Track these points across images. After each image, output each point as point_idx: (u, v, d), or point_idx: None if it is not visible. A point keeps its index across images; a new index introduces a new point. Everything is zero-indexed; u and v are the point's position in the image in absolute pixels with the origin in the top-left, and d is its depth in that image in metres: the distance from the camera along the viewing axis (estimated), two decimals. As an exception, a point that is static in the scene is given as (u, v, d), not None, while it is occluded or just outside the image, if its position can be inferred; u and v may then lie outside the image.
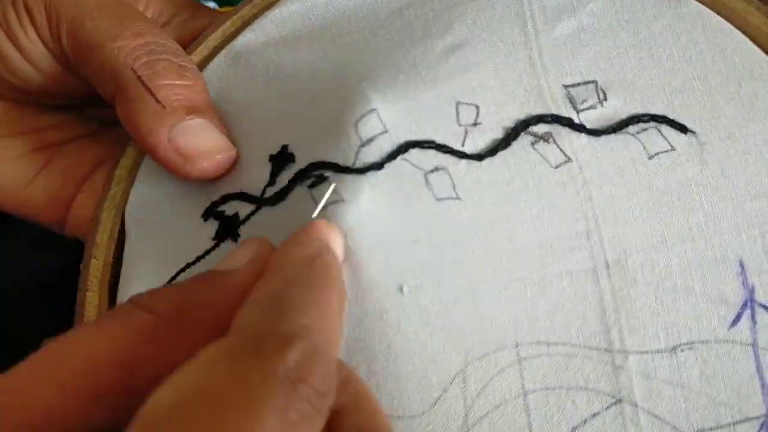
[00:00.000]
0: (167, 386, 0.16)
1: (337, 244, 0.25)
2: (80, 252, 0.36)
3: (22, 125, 0.34)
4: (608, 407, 0.25)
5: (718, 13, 0.30)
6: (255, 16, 0.33)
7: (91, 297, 0.30)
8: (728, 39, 0.29)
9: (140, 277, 0.29)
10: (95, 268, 0.30)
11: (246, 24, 0.32)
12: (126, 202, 0.31)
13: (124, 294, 0.29)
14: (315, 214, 0.26)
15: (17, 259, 0.43)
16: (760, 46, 0.29)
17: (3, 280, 0.43)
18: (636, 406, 0.25)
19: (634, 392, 0.25)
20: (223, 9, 0.46)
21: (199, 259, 0.28)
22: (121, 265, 0.30)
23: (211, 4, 0.55)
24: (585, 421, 0.25)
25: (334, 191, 0.27)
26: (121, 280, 0.30)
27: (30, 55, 0.31)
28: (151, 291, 0.21)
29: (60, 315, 0.41)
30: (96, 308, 0.29)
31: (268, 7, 0.33)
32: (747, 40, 0.29)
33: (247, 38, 0.32)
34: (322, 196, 0.27)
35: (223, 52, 0.32)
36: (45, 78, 0.32)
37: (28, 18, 0.30)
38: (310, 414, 0.17)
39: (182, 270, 0.28)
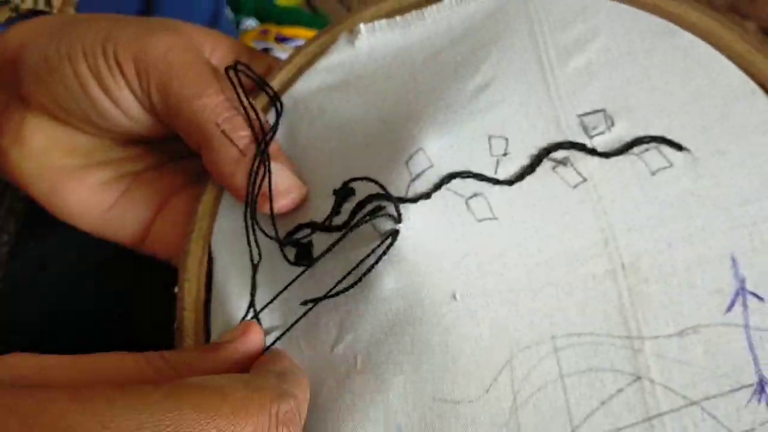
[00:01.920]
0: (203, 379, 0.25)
1: None
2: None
3: (103, 156, 0.38)
4: (630, 384, 0.30)
5: (708, 42, 0.34)
6: (309, 63, 0.37)
7: (188, 314, 0.35)
8: (718, 65, 0.33)
9: (229, 295, 0.34)
10: (188, 289, 0.35)
11: (301, 71, 0.37)
12: (210, 234, 0.36)
13: (216, 311, 0.35)
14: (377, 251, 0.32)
15: (75, 243, 0.45)
16: (744, 70, 0.33)
17: (61, 261, 0.46)
18: (653, 381, 0.30)
19: (651, 370, 0.30)
20: (263, 31, 0.50)
21: (286, 287, 0.33)
22: (211, 286, 0.35)
23: (252, 22, 0.58)
24: (612, 396, 0.30)
25: (391, 219, 0.32)
26: (213, 299, 0.35)
27: (120, 103, 0.34)
28: (172, 352, 0.29)
29: (113, 292, 0.45)
30: (193, 323, 0.34)
31: (319, 54, 0.37)
32: (733, 65, 0.34)
33: (302, 85, 0.37)
34: (382, 226, 0.32)
35: (284, 98, 0.37)
36: (133, 123, 0.35)
37: (119, 70, 0.33)
38: None
39: (274, 298, 0.33)
